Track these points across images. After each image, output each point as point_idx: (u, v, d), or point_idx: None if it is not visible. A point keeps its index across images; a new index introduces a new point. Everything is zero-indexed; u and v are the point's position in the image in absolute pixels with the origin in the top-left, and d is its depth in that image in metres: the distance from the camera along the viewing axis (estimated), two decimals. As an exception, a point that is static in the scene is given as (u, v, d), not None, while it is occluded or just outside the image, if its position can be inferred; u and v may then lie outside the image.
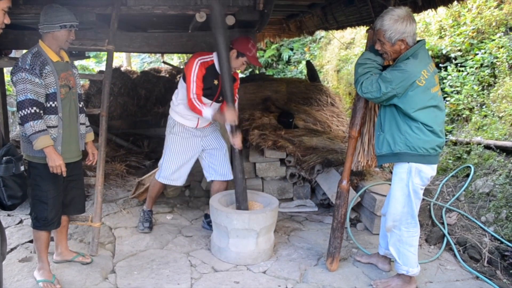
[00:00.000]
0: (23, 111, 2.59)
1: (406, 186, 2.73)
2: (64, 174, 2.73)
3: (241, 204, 3.41)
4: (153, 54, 13.72)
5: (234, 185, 3.42)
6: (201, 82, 3.36)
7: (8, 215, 3.99)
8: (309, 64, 7.47)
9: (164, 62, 10.25)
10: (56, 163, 2.65)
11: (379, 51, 2.75)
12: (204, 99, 3.41)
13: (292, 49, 11.20)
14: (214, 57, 3.40)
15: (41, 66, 2.67)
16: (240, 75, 3.40)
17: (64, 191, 2.94)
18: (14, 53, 6.37)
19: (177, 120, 3.62)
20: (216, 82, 3.44)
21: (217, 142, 3.75)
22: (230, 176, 3.72)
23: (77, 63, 11.72)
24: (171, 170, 3.66)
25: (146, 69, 10.79)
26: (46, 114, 2.72)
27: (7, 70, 7.58)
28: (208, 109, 3.34)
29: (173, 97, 3.65)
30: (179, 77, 7.93)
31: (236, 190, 3.41)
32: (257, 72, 11.07)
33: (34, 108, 2.61)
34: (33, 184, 2.79)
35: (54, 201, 2.83)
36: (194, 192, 4.82)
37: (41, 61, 2.68)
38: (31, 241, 3.45)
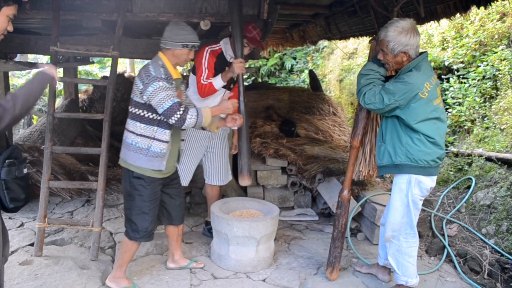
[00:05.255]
0: (176, 114, 2.57)
1: (406, 197, 2.74)
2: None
3: (243, 166, 3.24)
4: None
5: (239, 145, 3.27)
6: (213, 69, 3.39)
7: (10, 218, 4.00)
8: (311, 73, 7.50)
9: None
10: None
11: (381, 61, 2.77)
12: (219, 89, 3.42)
13: (295, 58, 11.24)
14: (221, 45, 3.46)
15: (170, 79, 2.68)
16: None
17: (167, 201, 2.98)
18: (19, 57, 6.41)
19: None
20: (227, 68, 3.47)
21: (221, 147, 3.76)
22: (217, 183, 3.78)
23: (81, 68, 11.79)
24: (190, 172, 3.69)
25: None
26: (161, 127, 2.70)
27: (12, 74, 7.61)
28: (217, 78, 3.32)
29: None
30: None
31: (242, 148, 3.24)
32: (260, 80, 11.12)
33: (182, 107, 2.60)
34: (134, 195, 2.76)
35: (154, 212, 2.83)
36: (195, 199, 4.82)
37: (169, 75, 2.69)
38: (31, 244, 3.45)
